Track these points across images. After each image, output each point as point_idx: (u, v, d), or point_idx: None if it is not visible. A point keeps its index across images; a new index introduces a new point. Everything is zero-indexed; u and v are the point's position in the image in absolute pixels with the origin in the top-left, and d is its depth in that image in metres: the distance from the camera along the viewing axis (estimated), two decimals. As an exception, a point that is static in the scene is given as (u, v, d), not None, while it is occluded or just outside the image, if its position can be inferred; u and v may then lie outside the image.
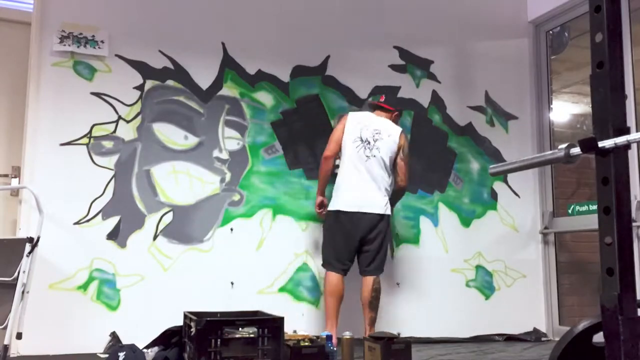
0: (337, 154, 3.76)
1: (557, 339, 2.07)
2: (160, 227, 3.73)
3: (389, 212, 3.70)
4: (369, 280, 3.64)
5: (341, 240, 3.64)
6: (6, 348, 3.04)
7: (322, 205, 3.81)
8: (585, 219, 4.27)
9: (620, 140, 1.17)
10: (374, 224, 3.61)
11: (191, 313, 2.97)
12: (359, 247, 3.65)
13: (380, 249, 3.67)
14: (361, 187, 3.63)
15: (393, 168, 3.76)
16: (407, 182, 3.87)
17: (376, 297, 3.64)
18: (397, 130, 3.78)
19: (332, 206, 3.69)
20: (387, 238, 3.76)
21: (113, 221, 3.62)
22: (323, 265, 3.72)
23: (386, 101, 3.92)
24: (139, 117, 3.77)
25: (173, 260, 3.73)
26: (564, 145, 1.26)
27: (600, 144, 1.19)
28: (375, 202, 3.62)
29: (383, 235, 3.66)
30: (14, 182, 3.70)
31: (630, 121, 3.88)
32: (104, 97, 3.70)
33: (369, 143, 3.68)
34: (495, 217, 4.60)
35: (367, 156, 3.66)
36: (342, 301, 3.61)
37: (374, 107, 3.92)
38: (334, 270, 3.63)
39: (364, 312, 3.63)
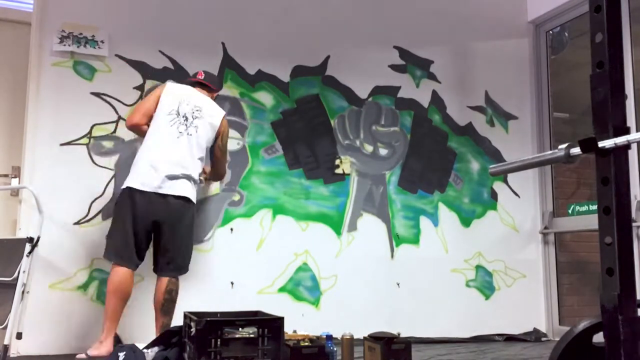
0: (146, 123, 3.27)
1: (557, 339, 2.07)
2: (160, 227, 3.72)
3: (194, 202, 3.24)
4: (164, 280, 3.14)
5: (132, 226, 3.08)
6: (6, 348, 3.04)
7: None
8: (585, 219, 4.28)
9: (620, 140, 1.17)
10: (174, 210, 3.10)
11: (191, 313, 2.96)
12: (155, 237, 3.14)
13: (182, 244, 3.17)
14: (165, 166, 3.12)
15: (211, 155, 3.40)
16: (224, 171, 3.58)
17: (170, 299, 3.14)
18: (220, 113, 3.39)
19: (126, 183, 3.14)
20: (191, 231, 3.27)
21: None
22: (106, 256, 3.18)
23: (207, 78, 3.53)
24: (139, 117, 3.76)
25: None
26: (564, 145, 1.27)
27: (600, 144, 1.19)
28: (180, 185, 3.13)
29: (186, 227, 3.18)
30: (14, 182, 3.70)
31: (630, 121, 3.88)
32: (104, 97, 3.70)
33: (186, 119, 3.24)
34: (495, 217, 4.60)
35: (180, 132, 3.20)
36: (127, 303, 3.16)
37: (193, 84, 3.49)
38: (122, 263, 3.08)
39: (155, 317, 3.18)
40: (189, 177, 3.18)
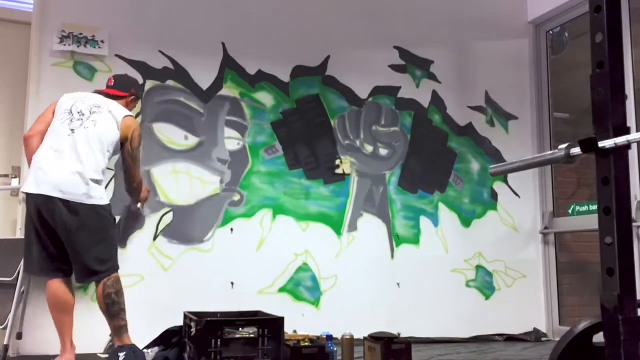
0: (42, 134, 2.97)
1: (557, 339, 2.07)
2: (160, 227, 3.72)
3: (96, 201, 2.86)
4: (98, 286, 2.93)
5: (34, 232, 2.85)
6: (6, 348, 3.04)
7: None
8: (585, 219, 4.27)
9: (620, 140, 1.17)
10: (67, 214, 2.78)
11: (191, 313, 2.97)
12: (59, 241, 2.87)
13: (87, 250, 2.85)
14: (55, 166, 2.81)
15: (123, 163, 3.10)
16: (138, 181, 3.20)
17: (111, 302, 2.91)
18: (123, 111, 3.04)
19: (22, 188, 2.93)
20: (97, 234, 2.88)
21: (113, 221, 3.61)
22: (25, 270, 3.02)
23: (116, 85, 3.22)
24: (139, 117, 3.76)
25: (173, 260, 3.73)
26: (564, 145, 1.27)
27: (600, 144, 1.19)
28: (73, 185, 2.80)
29: (89, 231, 2.84)
30: (14, 182, 3.70)
31: (630, 121, 3.88)
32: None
33: (82, 114, 2.92)
34: (495, 217, 4.60)
35: (71, 129, 2.88)
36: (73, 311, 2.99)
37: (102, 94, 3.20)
38: (47, 274, 2.89)
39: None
40: (85, 177, 2.83)
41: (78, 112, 2.94)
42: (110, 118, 2.97)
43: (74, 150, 2.84)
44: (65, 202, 2.79)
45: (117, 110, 3.02)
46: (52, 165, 2.81)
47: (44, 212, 2.81)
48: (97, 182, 2.89)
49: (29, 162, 2.96)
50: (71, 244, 2.85)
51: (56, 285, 2.90)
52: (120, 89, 3.21)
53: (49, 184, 2.78)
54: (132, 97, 3.27)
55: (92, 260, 2.88)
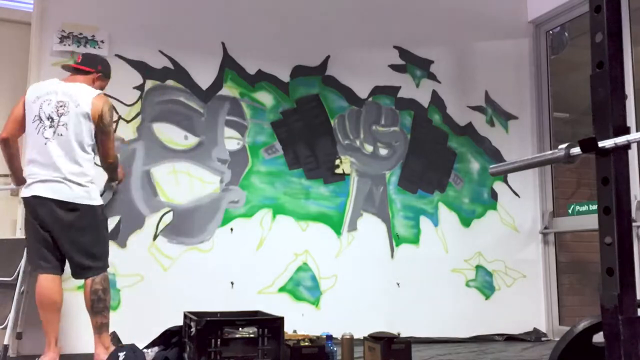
0: (18, 135, 3.05)
1: (557, 339, 2.07)
2: (160, 227, 3.73)
3: (89, 202, 2.96)
4: (86, 283, 2.98)
5: (33, 232, 2.97)
6: (6, 348, 3.04)
7: None
8: (585, 219, 4.27)
9: (620, 140, 1.17)
10: (58, 214, 2.90)
11: (191, 313, 2.97)
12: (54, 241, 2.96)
13: (81, 247, 2.95)
14: (39, 176, 2.91)
15: (96, 142, 3.04)
16: (113, 157, 3.14)
17: (97, 299, 2.95)
18: (89, 95, 3.00)
19: (21, 194, 3.06)
20: (89, 233, 2.98)
21: (113, 221, 3.62)
22: (32, 269, 3.10)
23: (82, 61, 3.18)
24: (139, 117, 3.77)
25: (173, 260, 3.73)
26: (564, 145, 1.27)
27: (600, 144, 1.19)
28: (59, 190, 2.90)
29: (80, 230, 2.94)
30: (14, 182, 3.69)
31: (630, 121, 3.88)
32: (104, 97, 3.70)
33: (52, 120, 2.94)
34: (495, 217, 4.61)
35: (46, 138, 2.92)
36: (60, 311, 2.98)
37: (69, 71, 3.20)
38: (42, 270, 2.95)
39: (89, 317, 3.01)
40: (68, 180, 2.90)
41: (48, 119, 2.94)
42: (78, 114, 2.95)
43: (51, 161, 2.90)
44: (62, 202, 2.89)
45: (83, 99, 2.97)
46: (40, 176, 2.91)
47: (38, 211, 2.90)
48: (84, 184, 2.95)
49: (9, 162, 3.06)
50: (69, 241, 2.93)
51: (46, 283, 2.92)
52: (87, 65, 3.15)
53: (44, 189, 2.89)
54: (100, 74, 3.18)
55: (86, 257, 2.96)
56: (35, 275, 3.02)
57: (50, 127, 2.93)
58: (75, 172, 2.92)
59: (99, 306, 2.95)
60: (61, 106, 2.95)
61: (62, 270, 3.01)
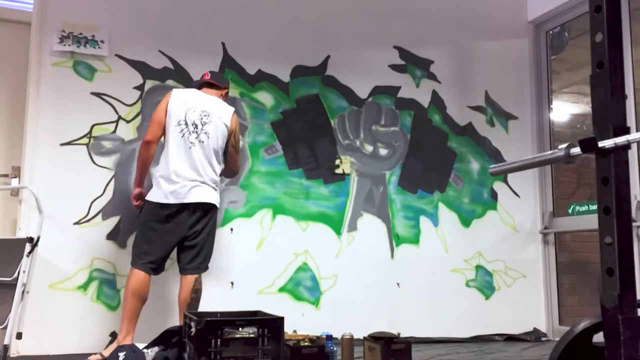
0: (160, 138, 3.28)
1: (557, 339, 2.07)
2: (160, 227, 3.72)
3: (216, 202, 3.29)
4: (190, 279, 3.22)
5: (157, 236, 3.18)
6: (6, 348, 3.04)
7: (140, 197, 3.32)
8: (585, 219, 4.27)
9: (620, 140, 1.17)
10: (197, 216, 3.20)
11: (191, 313, 2.97)
12: (179, 243, 3.24)
13: (205, 244, 3.26)
14: (183, 178, 3.17)
15: (224, 155, 3.38)
16: (236, 173, 3.59)
17: (196, 298, 3.23)
18: (229, 111, 3.37)
19: (150, 197, 3.21)
20: (213, 232, 3.34)
21: (113, 221, 3.62)
22: (131, 262, 3.23)
23: (213, 77, 3.52)
24: (139, 117, 3.77)
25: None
26: (564, 145, 1.27)
27: (600, 144, 1.19)
28: (200, 192, 3.19)
29: (209, 229, 3.27)
30: (14, 182, 3.70)
31: (630, 121, 3.88)
32: (104, 97, 3.70)
33: (196, 127, 3.23)
34: (495, 217, 4.61)
35: (191, 142, 3.21)
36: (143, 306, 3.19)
37: (200, 85, 3.48)
38: (142, 268, 3.16)
39: (180, 315, 3.19)
40: (206, 183, 3.22)
41: (193, 125, 3.21)
42: (220, 125, 3.28)
43: (195, 164, 3.18)
44: (195, 205, 3.17)
45: (224, 113, 3.32)
46: (183, 178, 3.15)
47: (175, 220, 3.16)
48: (216, 188, 3.30)
49: (143, 165, 3.28)
50: (197, 240, 3.22)
51: (145, 279, 3.15)
52: (219, 81, 3.50)
53: (183, 194, 3.14)
54: (227, 90, 3.55)
55: (207, 254, 3.28)
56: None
57: (193, 132, 3.21)
58: (213, 174, 3.25)
59: (195, 305, 3.21)
60: (205, 115, 3.25)
61: (157, 272, 3.25)
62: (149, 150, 3.24)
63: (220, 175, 3.40)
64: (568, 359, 1.49)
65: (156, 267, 3.21)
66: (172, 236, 3.19)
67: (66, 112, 3.60)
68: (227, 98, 3.54)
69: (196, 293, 3.21)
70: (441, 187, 4.48)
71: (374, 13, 4.47)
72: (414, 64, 4.55)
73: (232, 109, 3.39)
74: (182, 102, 3.24)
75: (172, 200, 3.14)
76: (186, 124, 3.21)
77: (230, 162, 3.43)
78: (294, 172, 4.10)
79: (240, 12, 4.12)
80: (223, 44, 4.04)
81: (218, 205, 3.30)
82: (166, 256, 3.25)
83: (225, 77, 3.86)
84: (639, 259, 1.82)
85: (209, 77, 3.50)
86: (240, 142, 3.50)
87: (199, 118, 3.24)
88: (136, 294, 3.11)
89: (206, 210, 3.22)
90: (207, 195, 3.20)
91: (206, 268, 3.30)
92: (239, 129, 3.47)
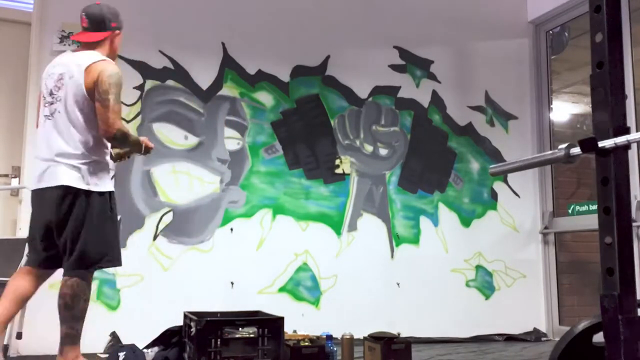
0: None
1: (557, 339, 2.07)
2: (160, 227, 3.73)
3: (85, 186, 2.54)
4: (62, 281, 2.55)
5: (31, 228, 2.67)
6: (6, 348, 3.04)
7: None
8: (585, 219, 4.27)
9: (620, 140, 1.17)
10: (57, 203, 2.51)
11: (191, 313, 2.97)
12: (50, 233, 2.58)
13: (76, 239, 2.52)
14: (41, 159, 2.59)
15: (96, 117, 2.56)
16: (114, 127, 2.53)
17: (65, 305, 2.50)
18: (85, 63, 2.56)
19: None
20: (90, 223, 2.54)
21: (113, 221, 3.61)
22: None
23: (91, 25, 2.70)
24: (139, 117, 3.77)
25: (173, 260, 3.73)
26: (564, 145, 1.27)
27: (600, 144, 1.19)
28: (54, 174, 2.53)
29: (79, 220, 2.52)
30: (14, 182, 3.70)
31: (630, 121, 3.88)
32: (104, 97, 3.69)
33: (52, 95, 2.60)
34: (495, 217, 4.60)
35: (46, 116, 2.60)
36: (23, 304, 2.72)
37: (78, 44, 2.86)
38: (25, 263, 2.74)
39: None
40: (65, 165, 2.53)
41: (49, 94, 2.61)
42: (71, 84, 2.56)
43: (49, 141, 2.57)
44: (54, 190, 2.55)
45: (78, 68, 2.57)
46: (39, 158, 2.61)
47: (38, 205, 2.62)
48: (84, 165, 2.58)
49: None
50: (65, 233, 2.58)
51: (23, 273, 2.70)
52: (97, 29, 2.69)
53: (40, 177, 2.60)
54: (116, 32, 2.73)
55: (81, 252, 2.57)
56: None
57: (49, 104, 2.60)
58: (80, 149, 2.55)
59: (66, 314, 2.52)
60: (59, 80, 2.60)
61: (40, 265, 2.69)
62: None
63: (117, 155, 2.80)
64: (568, 359, 1.49)
65: (35, 258, 2.63)
66: (36, 225, 2.60)
67: (66, 112, 3.59)
68: (117, 39, 2.76)
69: (64, 298, 2.50)
70: (441, 187, 4.48)
71: (374, 13, 4.47)
72: (414, 64, 4.54)
73: (94, 59, 2.58)
74: (45, 73, 2.69)
75: (35, 185, 2.61)
76: (44, 96, 2.64)
77: (100, 121, 2.53)
78: (294, 172, 4.09)
79: (240, 12, 4.12)
80: (223, 44, 4.04)
81: (84, 187, 2.54)
82: (41, 247, 2.61)
83: (223, 76, 3.85)
84: (639, 259, 1.82)
85: (87, 24, 2.72)
86: (112, 94, 2.52)
87: (53, 85, 2.60)
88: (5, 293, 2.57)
89: (64, 196, 2.51)
90: (63, 176, 2.51)
91: (85, 268, 2.54)
92: (113, 79, 2.54)
